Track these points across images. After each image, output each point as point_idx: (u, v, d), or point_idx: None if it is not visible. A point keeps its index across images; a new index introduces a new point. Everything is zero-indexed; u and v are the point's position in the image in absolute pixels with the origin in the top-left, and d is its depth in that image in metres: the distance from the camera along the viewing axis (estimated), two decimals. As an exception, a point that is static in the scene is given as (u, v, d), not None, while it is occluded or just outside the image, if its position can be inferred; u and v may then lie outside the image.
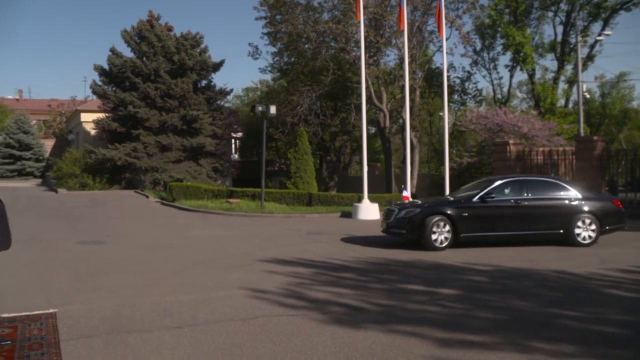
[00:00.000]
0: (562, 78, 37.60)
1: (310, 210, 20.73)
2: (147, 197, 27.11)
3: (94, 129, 34.49)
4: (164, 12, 64.23)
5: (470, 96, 41.37)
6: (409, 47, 23.43)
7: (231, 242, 12.82)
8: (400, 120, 35.85)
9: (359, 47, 23.38)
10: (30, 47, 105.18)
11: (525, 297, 7.34)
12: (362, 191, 20.15)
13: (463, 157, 26.11)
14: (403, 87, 25.02)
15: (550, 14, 37.43)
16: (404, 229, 11.74)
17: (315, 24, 30.98)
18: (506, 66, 39.14)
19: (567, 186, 12.60)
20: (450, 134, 30.01)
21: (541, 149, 22.66)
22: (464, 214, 11.57)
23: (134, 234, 14.31)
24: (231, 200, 22.54)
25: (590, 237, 11.97)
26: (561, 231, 11.94)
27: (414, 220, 11.58)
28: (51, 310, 6.51)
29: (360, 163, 28.14)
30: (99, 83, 33.09)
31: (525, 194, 12.05)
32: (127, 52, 33.38)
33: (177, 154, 32.00)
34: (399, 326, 5.98)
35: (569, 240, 11.93)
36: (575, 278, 8.62)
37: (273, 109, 20.78)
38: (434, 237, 11.40)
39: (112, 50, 32.82)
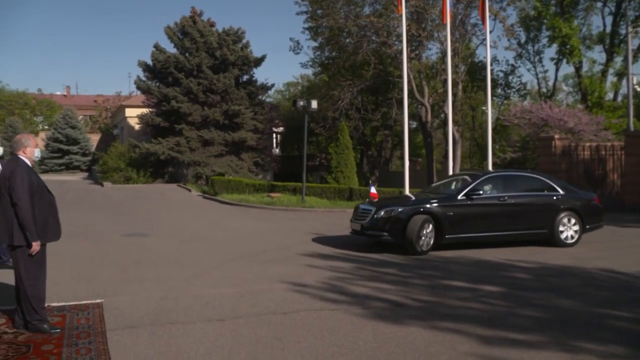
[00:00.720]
0: (611, 71, 36.44)
1: (351, 205, 20.61)
2: (189, 190, 27.50)
3: (138, 123, 35.16)
4: (206, 8, 65.11)
5: (514, 90, 40.61)
6: (451, 41, 23.09)
7: (272, 236, 12.89)
8: (442, 115, 35.46)
9: (401, 41, 23.20)
10: (77, 44, 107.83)
11: (570, 295, 7.18)
12: (403, 186, 19.97)
13: (506, 153, 25.66)
14: (445, 81, 24.73)
15: (599, 5, 36.28)
16: (385, 231, 10.38)
17: (357, 18, 30.83)
18: (552, 59, 38.18)
19: (549, 182, 11.86)
20: (493, 129, 29.46)
21: (588, 144, 22.07)
22: (450, 213, 10.45)
23: (177, 227, 14.53)
24: (272, 194, 22.66)
25: (572, 237, 11.27)
26: (545, 230, 11.18)
27: (399, 220, 10.27)
28: (98, 301, 6.66)
29: (402, 158, 27.95)
30: (143, 79, 33.66)
31: (510, 191, 11.20)
32: (170, 48, 33.90)
33: (219, 149, 32.34)
34: (441, 322, 5.92)
35: (553, 240, 11.18)
36: (624, 277, 8.38)
37: (314, 104, 20.79)
38: (421, 239, 10.18)
39: (156, 47, 33.34)
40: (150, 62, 33.29)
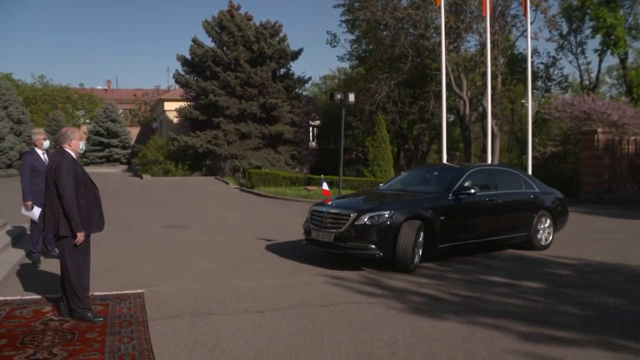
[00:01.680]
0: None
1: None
2: (226, 183, 27.78)
3: (177, 117, 35.65)
4: (243, 2, 65.41)
5: (555, 82, 39.76)
6: (490, 33, 22.76)
7: (309, 229, 12.90)
8: (481, 108, 34.98)
9: (439, 34, 22.93)
10: (118, 40, 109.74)
11: (614, 293, 7.01)
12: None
13: (547, 147, 25.16)
14: (484, 73, 24.40)
15: (646, -6, 35.26)
16: (372, 243, 7.97)
17: (394, 10, 30.59)
18: (595, 50, 37.27)
19: (525, 177, 10.80)
20: (533, 122, 28.92)
21: (633, 137, 21.48)
22: (442, 217, 8.55)
23: (215, 219, 14.69)
24: (309, 187, 22.72)
25: (546, 239, 10.27)
26: (526, 233, 9.95)
27: (390, 228, 8.00)
28: (139, 291, 6.79)
29: (439, 151, 27.70)
30: (182, 72, 34.09)
31: (495, 189, 9.73)
32: (209, 42, 34.24)
33: (256, 142, 32.56)
34: (480, 318, 5.86)
35: (531, 242, 10.05)
36: (670, 274, 8.15)
37: (352, 97, 20.70)
38: (415, 251, 8.14)
39: (194, 41, 33.70)
40: (188, 56, 33.68)
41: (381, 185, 11.16)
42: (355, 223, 8.08)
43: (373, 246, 8.01)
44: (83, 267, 5.70)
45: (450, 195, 8.89)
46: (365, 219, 8.08)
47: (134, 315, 5.85)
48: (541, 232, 10.19)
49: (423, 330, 5.47)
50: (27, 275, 7.72)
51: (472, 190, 8.95)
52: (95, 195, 5.80)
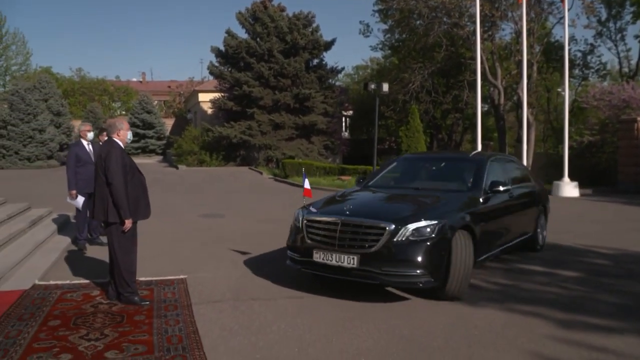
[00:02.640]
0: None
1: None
2: (260, 173, 28.04)
3: (211, 108, 36.01)
4: (276, -7, 65.27)
5: (592, 70, 38.87)
6: (526, 20, 22.42)
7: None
8: (515, 97, 34.44)
9: (473, 22, 22.71)
10: (152, 32, 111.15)
11: (655, 282, 6.97)
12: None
13: (584, 136, 24.74)
14: (520, 62, 24.09)
15: (689, -22, 34.24)
16: (420, 266, 5.79)
17: (428, -1, 30.33)
18: (636, 37, 36.17)
19: (525, 169, 9.66)
20: (570, 111, 28.43)
21: (673, 126, 21.00)
22: (481, 223, 6.67)
23: (251, 208, 14.89)
24: (343, 177, 22.81)
25: (544, 238, 9.21)
26: (530, 234, 8.63)
27: (441, 244, 5.92)
28: (181, 276, 7.00)
29: (473, 142, 27.50)
30: (216, 64, 34.38)
31: (510, 183, 7.94)
32: (242, 34, 34.40)
33: (290, 132, 32.74)
34: (518, 306, 5.91)
35: (535, 243, 8.88)
36: None
37: (385, 87, 20.68)
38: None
39: (228, 32, 33.94)
40: (222, 48, 33.93)
41: (360, 181, 8.52)
42: (395, 239, 5.79)
43: (421, 271, 5.76)
44: (130, 253, 5.92)
45: (482, 194, 7.08)
46: (409, 233, 5.82)
47: (179, 299, 6.05)
48: (540, 230, 8.99)
49: (462, 317, 5.54)
50: (75, 261, 8.01)
51: (502, 188, 7.17)
52: (142, 184, 6.02)
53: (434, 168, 8.56)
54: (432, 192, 7.17)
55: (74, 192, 8.64)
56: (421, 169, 8.57)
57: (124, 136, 6.01)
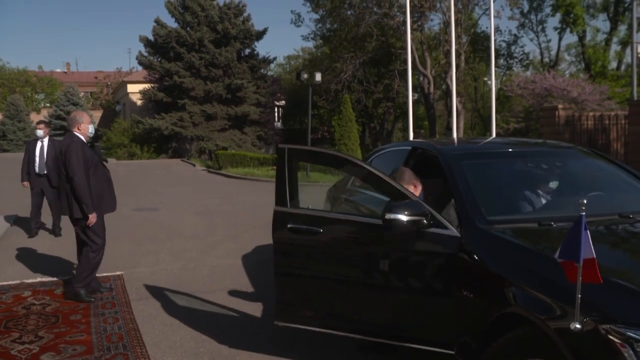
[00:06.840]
0: (615, 40, 36.18)
1: (355, 178, 20.70)
2: (193, 165, 27.65)
3: (141, 99, 35.16)
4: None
5: (516, 60, 40.33)
6: (454, 11, 22.97)
7: (281, 209, 12.99)
8: (444, 86, 35.32)
9: (403, 12, 23.05)
10: (77, 21, 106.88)
11: None
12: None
13: (510, 123, 25.63)
14: (448, 52, 24.69)
15: (603, -28, 35.95)
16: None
17: (358, -11, 30.58)
18: (555, 28, 37.82)
19: None
20: (496, 100, 29.32)
21: (591, 113, 22.04)
22: None
23: (186, 200, 14.66)
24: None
25: None
26: None
27: None
28: (118, 273, 6.85)
29: (404, 130, 28.00)
30: (145, 54, 33.53)
31: None
32: (172, 23, 33.64)
33: (222, 123, 32.39)
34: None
35: None
36: None
37: (318, 77, 20.76)
38: None
39: (157, 21, 33.14)
40: (151, 37, 33.14)
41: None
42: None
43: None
44: (100, 249, 5.94)
45: None
46: None
47: (116, 296, 5.92)
48: None
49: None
50: (2, 262, 7.67)
51: None
52: (106, 176, 5.95)
53: (541, 172, 4.73)
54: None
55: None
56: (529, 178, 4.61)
57: (85, 130, 5.85)
